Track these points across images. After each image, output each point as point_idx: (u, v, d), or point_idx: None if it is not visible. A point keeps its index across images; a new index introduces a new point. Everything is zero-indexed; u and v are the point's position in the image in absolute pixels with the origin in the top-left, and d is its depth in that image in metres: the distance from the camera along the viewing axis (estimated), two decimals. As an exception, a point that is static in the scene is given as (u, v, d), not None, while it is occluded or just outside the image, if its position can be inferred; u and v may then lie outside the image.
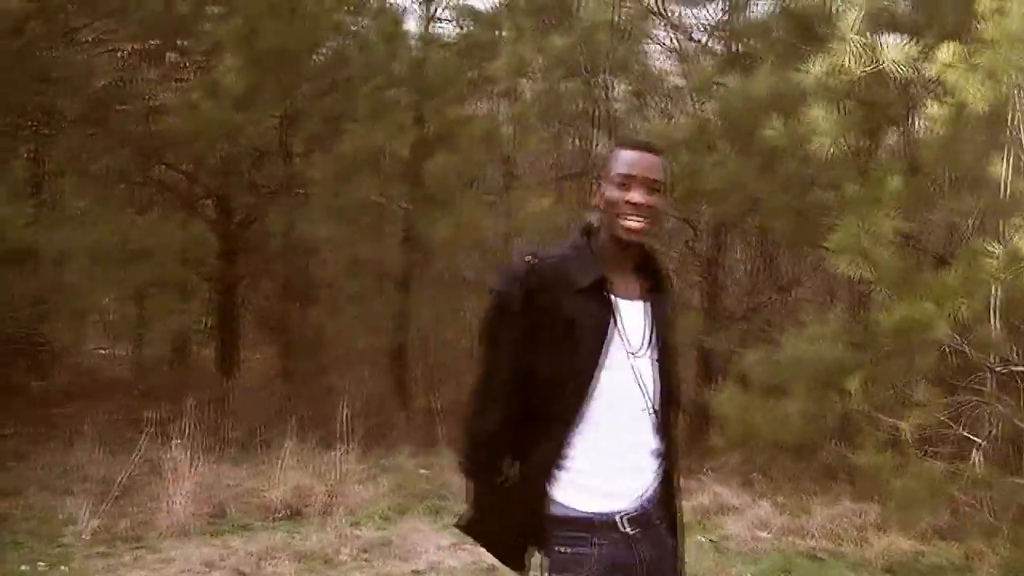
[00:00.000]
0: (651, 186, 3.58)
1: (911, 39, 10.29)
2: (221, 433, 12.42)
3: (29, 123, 14.58)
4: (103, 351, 19.54)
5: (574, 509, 3.51)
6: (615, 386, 3.53)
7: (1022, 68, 9.08)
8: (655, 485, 3.65)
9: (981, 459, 9.39)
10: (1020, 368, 10.03)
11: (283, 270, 16.12)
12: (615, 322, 3.55)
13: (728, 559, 9.19)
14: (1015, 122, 9.89)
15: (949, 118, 9.31)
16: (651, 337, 3.65)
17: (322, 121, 14.22)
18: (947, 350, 9.82)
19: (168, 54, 15.40)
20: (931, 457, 9.70)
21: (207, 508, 10.01)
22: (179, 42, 15.08)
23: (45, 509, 10.04)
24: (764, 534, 9.78)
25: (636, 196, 3.54)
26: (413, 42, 15.40)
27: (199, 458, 10.51)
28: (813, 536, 9.77)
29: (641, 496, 3.59)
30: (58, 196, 16.92)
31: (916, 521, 9.61)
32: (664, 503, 3.69)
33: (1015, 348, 10.13)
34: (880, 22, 10.71)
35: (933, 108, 9.57)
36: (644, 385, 3.59)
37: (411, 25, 16.06)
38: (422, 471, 12.08)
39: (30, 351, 15.50)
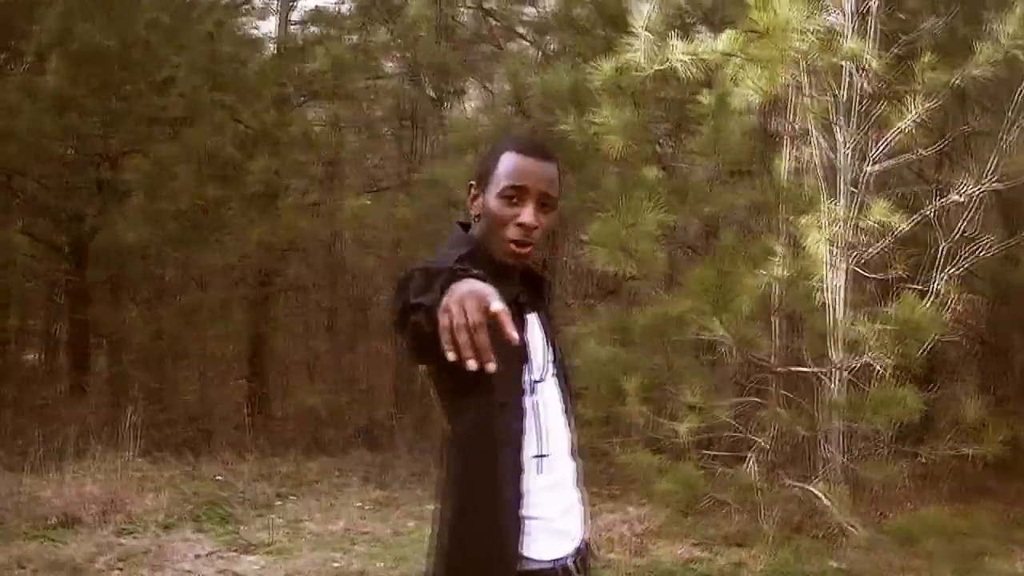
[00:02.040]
0: (545, 202, 3.04)
1: (713, 32, 10.11)
2: (26, 439, 12.02)
3: None
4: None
5: (538, 560, 2.97)
6: (541, 411, 3.00)
7: (794, 58, 8.88)
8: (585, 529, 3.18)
9: (755, 463, 9.16)
10: (807, 369, 9.82)
11: (123, 277, 15.76)
12: (527, 344, 3.01)
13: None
14: (791, 115, 9.73)
15: (721, 109, 9.10)
16: (551, 354, 3.13)
17: (141, 123, 13.84)
18: (727, 350, 9.57)
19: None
20: (715, 460, 9.46)
21: (-23, 517, 9.64)
22: (11, 43, 14.75)
23: None
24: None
25: (527, 216, 3.00)
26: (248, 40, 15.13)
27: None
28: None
29: (582, 532, 3.13)
30: None
31: (680, 525, 9.37)
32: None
33: (806, 351, 9.93)
34: (678, 16, 10.51)
35: (705, 98, 9.35)
36: (556, 410, 3.08)
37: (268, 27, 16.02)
38: (218, 477, 11.76)
39: None
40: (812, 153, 9.72)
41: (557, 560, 3.01)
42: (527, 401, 2.96)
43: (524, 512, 2.93)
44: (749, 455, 9.21)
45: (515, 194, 3.01)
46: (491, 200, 3.04)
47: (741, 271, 8.79)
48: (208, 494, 11.06)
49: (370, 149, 16.94)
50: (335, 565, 8.63)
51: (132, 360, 15.27)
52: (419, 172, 14.20)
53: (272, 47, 16.03)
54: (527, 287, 3.15)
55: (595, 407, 9.85)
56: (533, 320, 3.11)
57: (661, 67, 9.47)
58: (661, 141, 10.88)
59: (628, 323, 9.66)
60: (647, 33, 9.51)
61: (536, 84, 11.86)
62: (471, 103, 16.60)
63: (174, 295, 15.45)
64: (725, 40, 9.02)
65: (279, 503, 10.98)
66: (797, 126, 9.99)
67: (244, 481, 11.62)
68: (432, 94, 15.32)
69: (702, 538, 9.53)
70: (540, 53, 14.52)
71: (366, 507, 10.95)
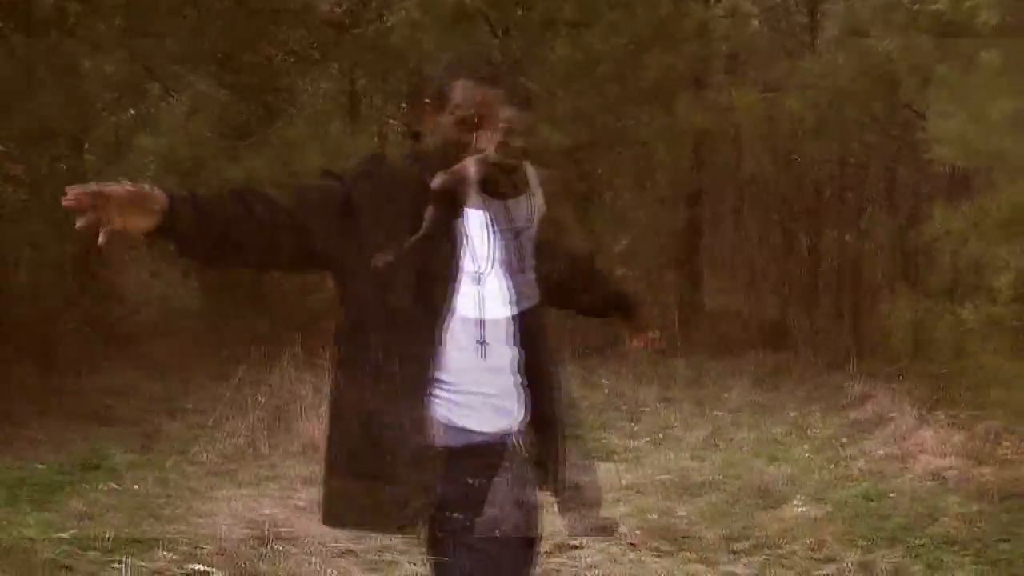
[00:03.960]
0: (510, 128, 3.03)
1: None
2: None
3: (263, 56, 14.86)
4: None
5: (471, 431, 3.05)
6: (467, 306, 3.06)
7: None
8: (524, 411, 3.20)
9: None
10: None
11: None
12: (466, 234, 3.09)
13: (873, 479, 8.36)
14: None
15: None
16: (507, 246, 3.15)
17: (540, 27, 13.92)
18: None
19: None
20: None
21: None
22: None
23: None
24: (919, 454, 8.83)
25: (484, 140, 3.01)
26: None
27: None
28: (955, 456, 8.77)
29: (520, 415, 3.17)
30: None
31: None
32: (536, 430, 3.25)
33: None
34: None
35: None
36: (496, 303, 3.12)
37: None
38: (604, 381, 11.76)
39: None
40: None
41: (503, 434, 3.12)
42: (472, 290, 3.10)
43: (467, 388, 3.06)
44: None
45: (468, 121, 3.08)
46: (445, 126, 3.13)
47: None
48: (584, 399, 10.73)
49: (766, 42, 16.38)
50: (680, 475, 8.35)
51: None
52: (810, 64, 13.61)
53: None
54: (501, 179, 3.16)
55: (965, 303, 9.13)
56: (482, 215, 3.15)
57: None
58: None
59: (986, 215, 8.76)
60: None
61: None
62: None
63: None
64: None
65: (648, 409, 10.84)
66: None
67: (631, 386, 11.55)
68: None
69: None
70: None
71: (742, 411, 10.67)
